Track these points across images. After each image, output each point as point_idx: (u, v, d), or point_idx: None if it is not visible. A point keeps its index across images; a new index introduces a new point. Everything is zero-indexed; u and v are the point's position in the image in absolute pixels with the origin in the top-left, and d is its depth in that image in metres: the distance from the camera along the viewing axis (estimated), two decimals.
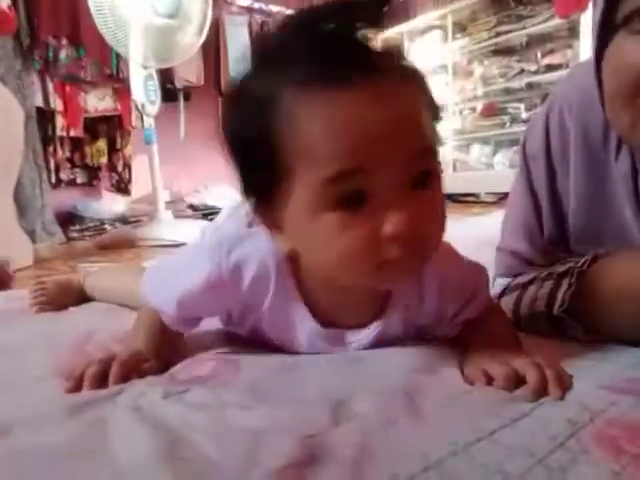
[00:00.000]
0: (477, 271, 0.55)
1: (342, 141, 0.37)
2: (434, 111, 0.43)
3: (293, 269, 0.49)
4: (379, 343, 0.53)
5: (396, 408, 0.40)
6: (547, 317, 0.56)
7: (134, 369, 0.49)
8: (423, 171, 0.40)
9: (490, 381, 0.44)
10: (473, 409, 0.40)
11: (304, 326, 0.52)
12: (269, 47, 0.42)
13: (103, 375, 0.48)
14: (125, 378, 0.48)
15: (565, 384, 0.43)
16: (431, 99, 0.43)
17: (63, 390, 0.47)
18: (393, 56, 0.41)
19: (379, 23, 0.39)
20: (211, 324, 0.61)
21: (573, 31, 2.77)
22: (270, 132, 0.39)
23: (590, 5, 0.51)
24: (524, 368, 0.44)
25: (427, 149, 0.41)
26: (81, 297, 0.89)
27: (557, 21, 2.79)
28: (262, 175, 0.41)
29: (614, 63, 0.49)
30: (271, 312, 0.52)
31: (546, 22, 2.88)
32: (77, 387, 0.47)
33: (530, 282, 0.60)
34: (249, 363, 0.52)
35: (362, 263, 0.40)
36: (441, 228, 0.43)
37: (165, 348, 0.54)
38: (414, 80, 0.42)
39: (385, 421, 0.38)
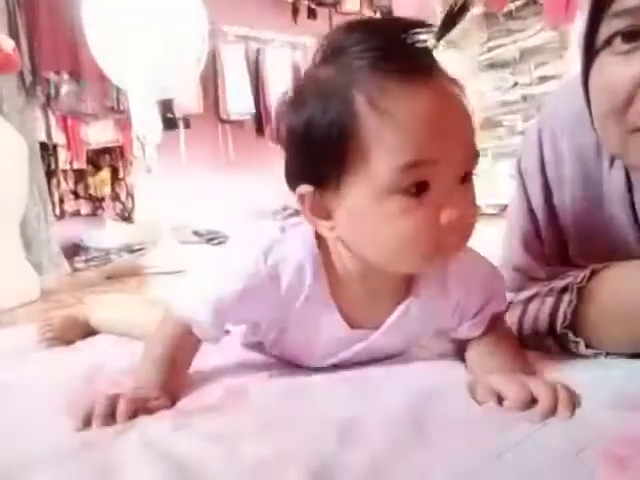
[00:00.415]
0: (497, 268, 0.59)
1: (421, 133, 0.41)
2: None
3: (325, 270, 0.51)
4: (394, 340, 0.55)
5: (403, 434, 0.40)
6: (550, 334, 0.56)
7: (141, 407, 0.49)
8: (471, 170, 0.46)
9: (500, 401, 0.45)
10: (479, 432, 0.40)
11: (331, 327, 0.53)
12: (341, 43, 0.45)
13: (110, 413, 0.48)
14: (132, 416, 0.48)
15: (574, 405, 0.43)
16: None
17: (72, 428, 0.47)
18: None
19: (442, 39, 0.44)
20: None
21: (564, 43, 2.82)
22: (346, 122, 0.42)
23: (581, 17, 0.52)
24: (538, 389, 0.45)
25: (477, 152, 0.46)
26: (88, 330, 0.89)
27: (547, 34, 2.84)
28: (328, 163, 0.44)
29: (599, 84, 0.50)
30: (301, 314, 0.53)
31: (536, 35, 2.93)
32: (86, 425, 0.47)
33: (532, 298, 0.60)
34: (256, 390, 0.52)
35: (421, 246, 0.44)
36: (477, 216, 0.48)
37: (173, 381, 0.54)
38: (462, 87, 0.46)
39: (392, 448, 0.38)
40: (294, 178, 0.48)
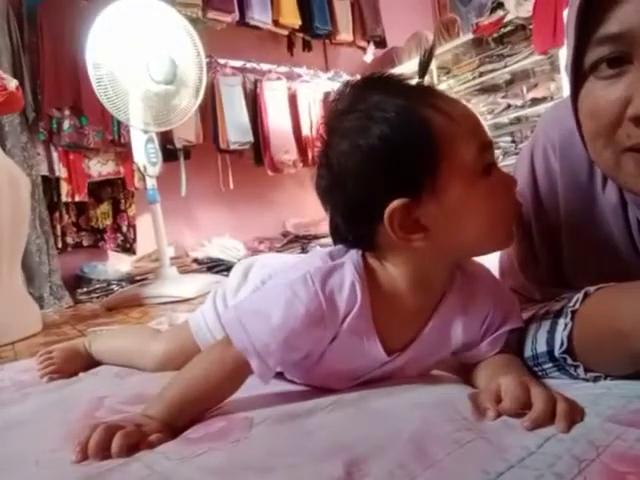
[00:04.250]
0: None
1: (472, 123, 0.51)
2: None
3: (370, 294, 0.53)
4: (423, 356, 0.58)
5: (407, 457, 0.40)
6: (549, 358, 0.56)
7: (140, 441, 0.48)
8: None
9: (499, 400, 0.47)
10: (481, 452, 0.40)
11: (370, 352, 0.55)
12: (394, 83, 0.54)
13: (107, 443, 0.47)
14: (129, 451, 0.46)
15: (573, 419, 0.44)
16: None
17: (72, 460, 0.46)
18: None
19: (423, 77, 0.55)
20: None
21: (554, 65, 2.89)
22: (423, 128, 0.48)
23: (566, 43, 0.54)
24: (537, 396, 0.46)
25: None
26: (89, 361, 0.89)
27: (537, 57, 2.90)
28: (413, 172, 0.49)
29: (588, 107, 0.51)
30: (345, 337, 0.54)
31: (526, 59, 3.00)
32: (84, 456, 0.47)
33: (529, 320, 0.60)
34: (260, 417, 0.52)
35: (508, 218, 0.53)
36: None
37: (183, 421, 0.52)
38: None
39: (397, 471, 0.38)
40: (378, 199, 0.49)
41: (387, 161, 0.48)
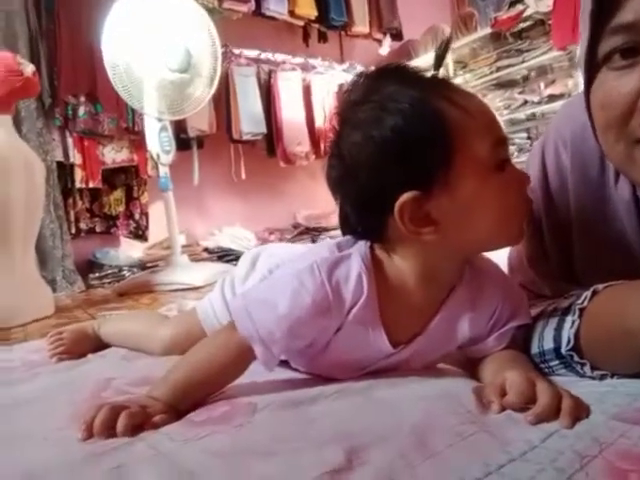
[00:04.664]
0: None
1: (487, 118, 0.51)
2: None
3: (376, 286, 0.53)
4: (430, 349, 0.58)
5: (408, 447, 0.40)
6: (556, 355, 0.55)
7: (144, 422, 0.49)
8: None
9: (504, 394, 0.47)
10: (483, 445, 0.40)
11: (375, 343, 0.55)
12: (409, 74, 0.53)
13: (112, 422, 0.48)
14: (134, 431, 0.47)
15: (578, 415, 0.44)
16: None
17: (78, 438, 0.47)
18: None
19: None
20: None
21: (572, 61, 2.84)
22: (437, 121, 0.48)
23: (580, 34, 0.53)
24: (542, 391, 0.46)
25: None
26: (98, 344, 0.91)
27: (555, 53, 2.86)
28: (434, 161, 0.48)
29: (600, 98, 0.51)
30: (350, 327, 0.54)
31: (545, 54, 2.95)
32: (90, 434, 0.48)
33: (537, 317, 0.60)
34: (264, 403, 0.52)
35: (520, 213, 0.53)
36: None
37: (187, 403, 0.53)
38: None
39: (397, 460, 0.38)
40: (389, 191, 0.49)
41: (400, 153, 0.48)
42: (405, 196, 0.48)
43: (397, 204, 0.48)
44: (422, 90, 0.50)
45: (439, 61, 0.55)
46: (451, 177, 0.48)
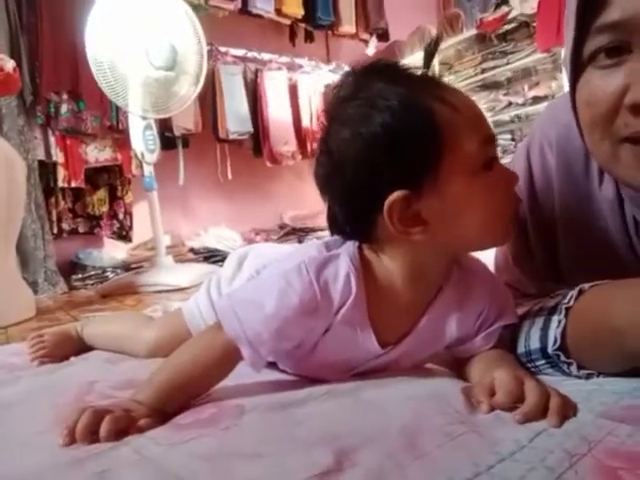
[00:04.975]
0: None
1: (475, 117, 0.51)
2: None
3: (365, 286, 0.52)
4: (418, 349, 0.57)
5: (397, 448, 0.40)
6: (542, 355, 0.56)
7: (128, 426, 0.47)
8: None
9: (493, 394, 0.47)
10: (472, 445, 0.40)
11: (363, 344, 0.54)
12: (400, 73, 0.53)
13: (95, 427, 0.46)
14: (118, 435, 0.46)
15: (566, 414, 0.44)
16: None
17: (60, 443, 0.46)
18: None
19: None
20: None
21: (556, 63, 2.88)
22: (427, 119, 0.47)
23: (565, 34, 0.54)
24: (530, 390, 0.46)
25: None
26: (81, 346, 0.89)
27: (539, 55, 2.89)
28: (423, 160, 0.48)
29: (585, 96, 0.51)
30: (338, 328, 0.53)
31: (529, 56, 2.99)
32: (72, 439, 0.46)
33: (523, 317, 0.60)
34: (251, 405, 0.52)
35: (507, 212, 0.52)
36: None
37: (172, 406, 0.52)
38: None
39: (386, 461, 0.38)
40: (377, 190, 0.48)
41: (388, 151, 0.47)
42: (395, 195, 0.48)
43: (386, 203, 0.48)
44: (411, 87, 0.49)
45: (429, 59, 0.54)
46: (440, 175, 0.48)
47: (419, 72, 0.53)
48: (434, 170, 0.48)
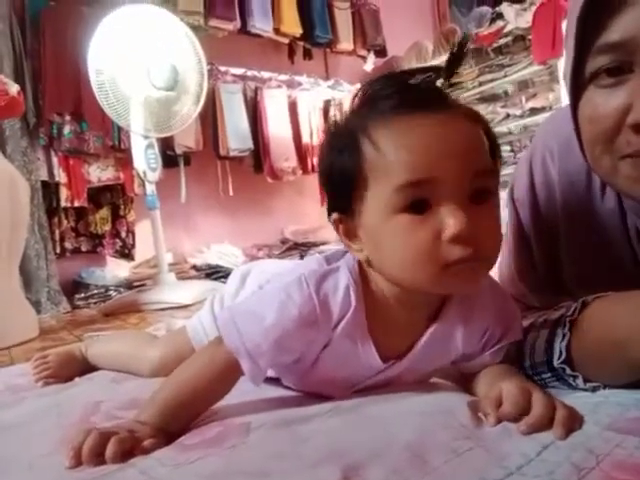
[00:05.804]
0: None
1: (413, 156, 0.45)
2: (493, 146, 0.51)
3: (364, 299, 0.53)
4: (421, 366, 0.57)
5: (404, 464, 0.40)
6: (548, 368, 0.55)
7: (134, 447, 0.47)
8: (482, 188, 0.47)
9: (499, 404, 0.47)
10: (479, 460, 0.40)
11: (365, 359, 0.54)
12: (364, 94, 0.51)
13: (101, 449, 0.46)
14: (123, 457, 0.46)
15: (571, 426, 0.44)
16: (491, 135, 0.51)
17: (66, 465, 0.46)
18: (458, 101, 0.51)
19: (451, 78, 0.50)
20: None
21: (553, 75, 2.91)
22: (355, 155, 0.48)
23: (564, 52, 0.54)
24: (536, 401, 0.46)
25: (485, 170, 0.48)
26: (85, 366, 0.89)
27: (536, 67, 2.92)
28: (347, 192, 0.49)
29: (588, 114, 0.51)
30: (338, 343, 0.53)
31: (526, 69, 3.01)
32: (78, 461, 0.46)
33: (528, 329, 0.60)
34: (257, 422, 0.51)
35: (427, 262, 0.46)
36: (498, 239, 0.49)
37: (176, 426, 0.52)
38: (477, 118, 0.51)
39: (393, 478, 0.38)
40: (330, 208, 0.53)
41: (327, 180, 0.53)
42: (333, 215, 0.53)
43: (331, 219, 0.53)
44: (362, 123, 0.49)
45: (455, 64, 0.50)
46: (363, 208, 0.49)
47: (414, 83, 0.49)
48: (358, 202, 0.49)
